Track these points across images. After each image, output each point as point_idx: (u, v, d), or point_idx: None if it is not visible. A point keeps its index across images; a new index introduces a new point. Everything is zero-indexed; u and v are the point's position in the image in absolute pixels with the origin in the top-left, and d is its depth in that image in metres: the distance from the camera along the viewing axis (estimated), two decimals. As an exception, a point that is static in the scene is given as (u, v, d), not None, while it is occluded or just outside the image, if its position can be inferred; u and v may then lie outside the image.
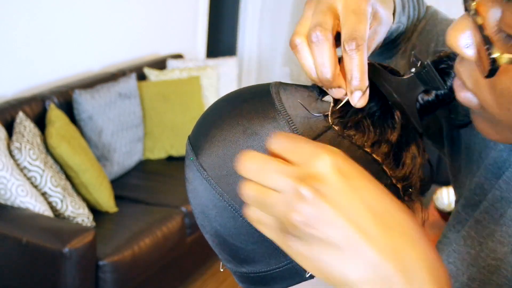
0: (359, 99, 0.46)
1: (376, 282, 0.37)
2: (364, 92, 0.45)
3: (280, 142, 0.40)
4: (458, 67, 0.46)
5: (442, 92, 0.50)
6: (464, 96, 0.47)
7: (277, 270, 0.48)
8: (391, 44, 0.67)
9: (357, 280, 0.37)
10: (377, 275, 0.37)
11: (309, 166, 0.38)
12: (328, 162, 0.37)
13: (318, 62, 0.46)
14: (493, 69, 0.40)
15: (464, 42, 0.44)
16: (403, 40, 0.67)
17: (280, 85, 0.50)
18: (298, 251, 0.39)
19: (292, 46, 0.47)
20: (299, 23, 0.47)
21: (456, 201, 0.61)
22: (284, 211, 0.38)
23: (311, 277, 0.47)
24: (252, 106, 0.48)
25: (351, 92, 0.45)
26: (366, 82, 0.45)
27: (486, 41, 0.40)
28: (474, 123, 0.49)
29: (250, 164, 0.39)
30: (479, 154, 0.59)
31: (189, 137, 0.51)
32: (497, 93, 0.43)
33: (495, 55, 0.39)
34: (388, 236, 0.37)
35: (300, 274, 0.47)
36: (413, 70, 0.49)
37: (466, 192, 0.59)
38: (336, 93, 0.46)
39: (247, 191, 0.40)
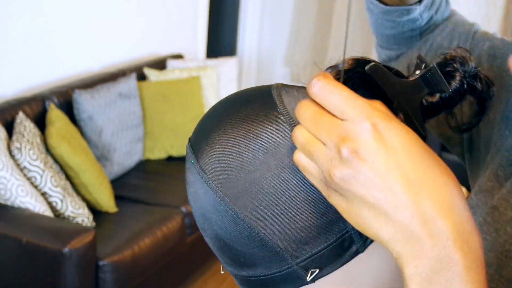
0: None
1: (405, 243, 0.39)
2: None
3: (332, 94, 0.41)
4: None
5: (447, 95, 0.50)
6: None
7: (278, 274, 0.48)
8: (411, 35, 0.70)
9: (388, 239, 0.40)
10: (405, 237, 0.39)
11: (352, 127, 0.40)
12: (368, 126, 0.39)
13: None
14: None
15: None
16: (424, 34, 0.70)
17: (282, 87, 0.49)
18: (338, 204, 0.42)
19: None
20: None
21: (471, 189, 0.62)
22: (326, 166, 0.41)
23: (312, 281, 0.47)
24: (253, 109, 0.48)
25: None
26: None
27: None
28: None
29: (305, 111, 0.42)
30: (494, 144, 0.59)
31: (189, 139, 0.51)
32: None
33: None
34: (419, 203, 0.39)
35: (301, 278, 0.47)
36: (418, 72, 0.49)
37: (480, 180, 0.59)
38: None
39: (298, 136, 0.42)
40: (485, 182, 0.58)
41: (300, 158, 0.43)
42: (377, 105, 0.41)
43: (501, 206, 0.55)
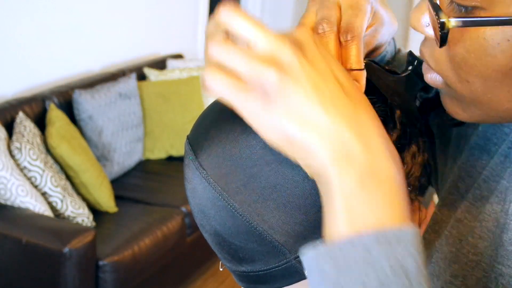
0: None
1: (336, 151, 0.38)
2: (360, 81, 0.46)
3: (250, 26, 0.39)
4: (422, 48, 0.48)
5: None
6: (430, 77, 0.48)
7: (276, 268, 0.48)
8: None
9: (318, 146, 0.38)
10: (336, 140, 0.38)
11: (299, 35, 0.40)
12: (307, 31, 0.41)
13: None
14: (443, 35, 0.42)
15: (424, 21, 0.46)
16: None
17: None
18: (256, 113, 0.39)
19: None
20: (303, 16, 0.49)
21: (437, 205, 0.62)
22: (257, 67, 0.38)
23: (310, 275, 0.47)
24: None
25: None
26: (363, 72, 0.46)
27: (435, 8, 0.43)
28: (444, 105, 0.50)
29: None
30: (451, 156, 0.60)
31: (188, 136, 0.51)
32: (455, 66, 0.45)
33: (443, 19, 0.42)
34: (351, 106, 0.39)
35: (299, 272, 0.47)
36: (410, 67, 0.49)
37: (442, 193, 0.59)
38: None
39: (215, 47, 0.39)
40: (446, 195, 0.59)
41: (211, 72, 0.39)
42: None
43: (465, 219, 0.55)
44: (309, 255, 0.38)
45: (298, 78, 0.38)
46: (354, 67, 0.46)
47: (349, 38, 0.46)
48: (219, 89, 0.39)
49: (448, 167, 0.60)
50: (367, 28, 0.50)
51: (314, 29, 0.47)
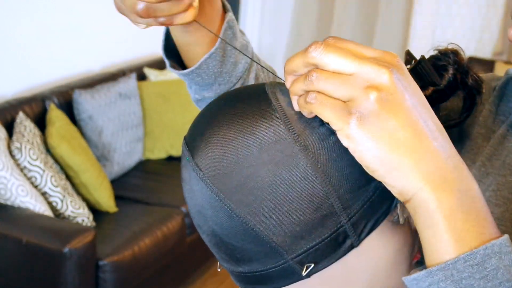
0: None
1: (431, 172, 0.40)
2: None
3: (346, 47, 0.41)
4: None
5: (440, 87, 0.50)
6: None
7: (274, 269, 0.48)
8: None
9: (413, 167, 0.40)
10: (431, 162, 0.40)
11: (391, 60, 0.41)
12: (395, 56, 0.42)
13: None
14: None
15: None
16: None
17: (276, 84, 0.50)
18: (359, 131, 0.40)
19: None
20: None
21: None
22: (360, 88, 0.40)
23: (308, 276, 0.47)
24: (248, 106, 0.48)
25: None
26: None
27: None
28: None
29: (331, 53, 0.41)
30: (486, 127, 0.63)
31: (185, 137, 0.51)
32: None
33: None
34: (438, 131, 0.42)
35: (296, 273, 0.47)
36: (408, 66, 0.49)
37: (478, 165, 0.63)
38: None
39: (317, 73, 0.41)
40: (488, 164, 0.62)
41: (313, 96, 0.41)
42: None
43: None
44: (425, 283, 0.41)
45: (396, 101, 0.40)
46: None
47: None
48: (326, 112, 0.41)
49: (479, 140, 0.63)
50: None
51: None
